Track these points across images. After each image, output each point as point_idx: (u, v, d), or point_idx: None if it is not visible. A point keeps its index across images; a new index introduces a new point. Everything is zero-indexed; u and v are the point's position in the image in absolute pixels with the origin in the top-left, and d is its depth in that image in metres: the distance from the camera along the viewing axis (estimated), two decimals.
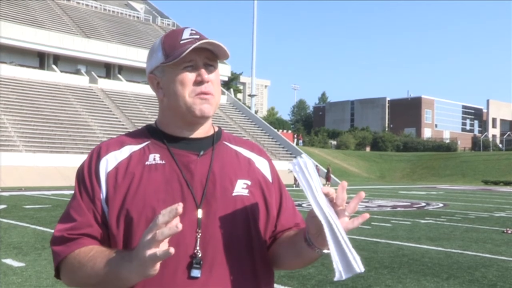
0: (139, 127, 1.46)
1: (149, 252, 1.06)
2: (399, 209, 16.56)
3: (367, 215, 1.18)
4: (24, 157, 29.20)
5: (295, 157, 1.24)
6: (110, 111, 40.71)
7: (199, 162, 1.33)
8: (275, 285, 1.42)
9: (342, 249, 1.14)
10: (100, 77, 45.81)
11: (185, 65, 1.30)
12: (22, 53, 42.72)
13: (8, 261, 6.92)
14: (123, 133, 1.47)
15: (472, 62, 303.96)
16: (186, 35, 1.32)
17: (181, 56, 1.27)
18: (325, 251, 1.21)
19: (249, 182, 1.36)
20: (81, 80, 43.65)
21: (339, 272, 1.14)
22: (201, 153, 1.35)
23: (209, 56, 1.33)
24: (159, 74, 1.35)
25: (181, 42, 1.30)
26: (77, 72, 45.52)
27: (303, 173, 1.19)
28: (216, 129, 1.45)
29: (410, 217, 13.75)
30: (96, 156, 1.34)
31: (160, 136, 1.37)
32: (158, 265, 1.08)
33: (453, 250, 8.37)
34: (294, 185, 32.03)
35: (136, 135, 1.40)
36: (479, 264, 7.26)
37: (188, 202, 1.27)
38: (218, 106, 1.42)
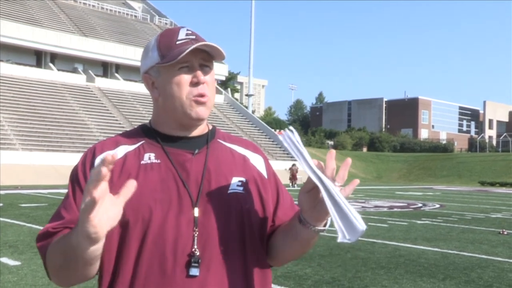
0: (136, 126, 1.46)
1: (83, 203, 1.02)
2: (395, 209, 16.58)
3: (357, 181, 1.19)
4: (21, 155, 29.13)
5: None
6: (107, 109, 40.66)
7: (194, 160, 1.33)
8: (272, 285, 1.41)
9: (342, 210, 1.14)
10: (97, 75, 45.73)
11: (180, 66, 1.30)
12: (19, 51, 42.58)
13: (4, 259, 6.91)
14: (120, 132, 1.47)
15: (469, 63, 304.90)
16: (182, 35, 1.32)
17: (179, 58, 1.27)
18: (319, 228, 1.23)
19: (244, 179, 1.36)
20: (78, 79, 43.55)
21: (342, 233, 1.14)
22: (196, 151, 1.35)
23: (204, 57, 1.33)
24: (154, 74, 1.35)
25: (177, 42, 1.30)
26: (74, 70, 45.41)
27: (293, 143, 1.20)
28: (211, 127, 1.45)
29: (406, 217, 13.76)
30: (90, 156, 1.34)
31: (154, 136, 1.37)
32: (95, 221, 1.01)
33: (450, 251, 8.39)
34: (291, 185, 32.08)
35: (130, 135, 1.40)
36: (475, 265, 7.27)
37: (185, 201, 1.27)
38: (214, 106, 1.42)
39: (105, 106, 41.04)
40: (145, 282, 1.22)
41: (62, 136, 33.72)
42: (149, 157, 1.33)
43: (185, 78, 1.30)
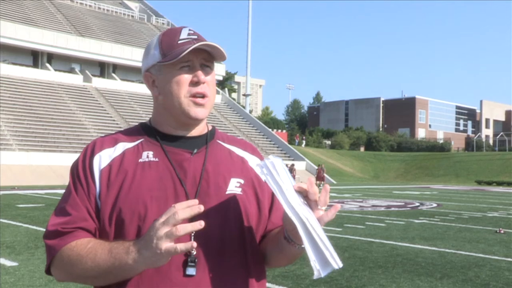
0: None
1: (167, 245, 1.09)
2: (393, 209, 16.61)
3: (338, 206, 1.21)
4: (18, 155, 29.04)
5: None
6: (104, 110, 40.60)
7: (192, 160, 1.34)
8: (269, 284, 1.42)
9: (317, 247, 1.14)
10: (94, 76, 45.66)
11: (182, 65, 1.31)
12: (15, 52, 42.48)
13: (1, 260, 6.88)
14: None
15: (466, 62, 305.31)
16: (184, 35, 1.33)
17: (179, 57, 1.28)
18: (304, 245, 1.23)
19: (242, 181, 1.37)
20: (75, 79, 43.47)
21: (317, 270, 1.14)
22: (195, 151, 1.36)
23: (206, 57, 1.34)
24: (155, 73, 1.36)
25: (179, 42, 1.31)
26: (71, 70, 45.34)
27: (271, 175, 1.20)
28: (210, 128, 1.46)
29: (404, 217, 13.79)
30: (90, 152, 1.34)
31: (153, 134, 1.38)
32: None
33: (447, 250, 8.41)
34: None
35: (130, 133, 1.41)
36: (472, 263, 7.29)
37: (181, 200, 1.27)
38: (213, 106, 1.42)
39: (102, 106, 40.97)
40: (139, 280, 1.22)
41: (59, 137, 33.66)
42: (147, 155, 1.33)
43: (186, 77, 1.31)
